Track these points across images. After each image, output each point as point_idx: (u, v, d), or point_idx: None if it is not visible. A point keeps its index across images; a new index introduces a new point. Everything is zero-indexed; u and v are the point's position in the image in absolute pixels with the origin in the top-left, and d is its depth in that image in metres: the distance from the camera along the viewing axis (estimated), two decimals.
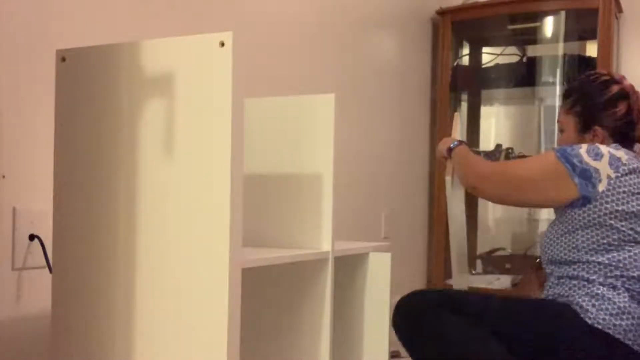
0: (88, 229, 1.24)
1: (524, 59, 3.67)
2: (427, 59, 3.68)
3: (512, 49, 3.76)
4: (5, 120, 1.48)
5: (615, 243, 1.48)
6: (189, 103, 1.14)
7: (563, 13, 3.51)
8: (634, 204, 1.49)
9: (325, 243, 1.54)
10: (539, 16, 3.57)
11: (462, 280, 1.80)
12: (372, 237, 3.05)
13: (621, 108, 1.63)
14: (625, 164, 1.51)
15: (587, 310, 1.45)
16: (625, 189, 1.49)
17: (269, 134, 1.63)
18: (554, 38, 3.60)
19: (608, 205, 1.48)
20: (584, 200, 1.50)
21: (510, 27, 3.72)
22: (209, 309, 1.11)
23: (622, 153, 1.53)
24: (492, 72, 3.67)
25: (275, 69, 2.38)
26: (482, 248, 3.75)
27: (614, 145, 1.57)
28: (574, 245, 1.52)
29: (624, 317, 1.43)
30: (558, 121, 1.76)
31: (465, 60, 3.83)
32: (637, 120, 1.65)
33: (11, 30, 1.48)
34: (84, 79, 1.25)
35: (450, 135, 2.09)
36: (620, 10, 3.42)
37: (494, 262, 3.60)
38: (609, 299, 1.45)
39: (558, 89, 3.51)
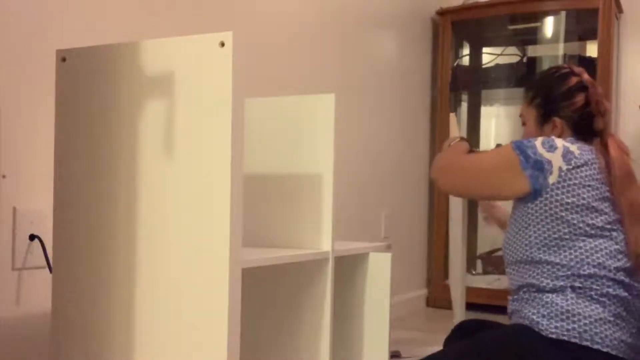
0: (88, 229, 1.24)
1: (524, 59, 3.67)
2: (427, 59, 3.68)
3: (512, 49, 3.76)
4: (5, 120, 1.48)
5: (567, 237, 1.48)
6: (189, 103, 1.14)
7: (563, 13, 3.51)
8: (585, 195, 1.49)
9: (325, 243, 1.54)
10: (539, 16, 3.57)
11: (459, 283, 1.80)
12: (372, 237, 3.05)
13: (579, 99, 1.65)
14: (577, 157, 1.52)
15: (538, 323, 1.44)
16: (577, 181, 1.50)
17: (269, 134, 1.63)
18: (554, 38, 3.60)
19: (558, 198, 1.49)
20: (535, 194, 1.51)
21: (511, 27, 3.72)
22: (209, 309, 1.11)
23: (575, 147, 1.54)
24: (492, 72, 3.68)
25: (275, 69, 2.38)
26: (482, 248, 3.76)
27: (570, 139, 1.58)
28: (527, 242, 1.53)
29: (574, 319, 1.42)
30: (520, 115, 1.78)
31: (466, 61, 3.83)
32: (595, 113, 1.65)
33: (11, 31, 1.48)
34: (84, 79, 1.25)
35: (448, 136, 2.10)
36: (620, 10, 3.42)
37: (494, 262, 3.60)
38: (557, 304, 1.45)
39: None
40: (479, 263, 3.71)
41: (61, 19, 1.59)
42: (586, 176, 1.51)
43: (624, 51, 3.55)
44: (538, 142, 1.55)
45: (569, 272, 1.47)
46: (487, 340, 1.48)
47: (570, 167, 1.50)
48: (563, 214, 1.49)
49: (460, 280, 1.79)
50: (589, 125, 1.64)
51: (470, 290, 3.46)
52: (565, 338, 1.41)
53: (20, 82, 1.50)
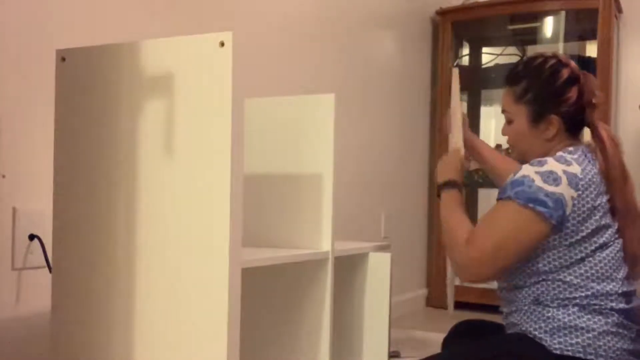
0: (88, 229, 1.24)
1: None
2: (427, 59, 3.68)
3: (512, 49, 3.76)
4: (5, 121, 1.48)
5: (579, 259, 1.43)
6: (189, 103, 1.14)
7: (563, 13, 3.51)
8: (597, 217, 1.43)
9: (325, 243, 1.54)
10: (539, 16, 3.57)
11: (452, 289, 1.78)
12: (372, 237, 3.05)
13: (573, 94, 1.53)
14: (581, 178, 1.42)
15: (541, 339, 1.42)
16: (588, 205, 1.42)
17: (269, 134, 1.63)
18: (554, 38, 3.60)
19: (574, 228, 1.42)
20: (556, 229, 1.42)
21: (510, 27, 3.72)
22: (209, 309, 1.11)
23: (575, 165, 1.44)
24: (492, 72, 3.68)
25: (275, 69, 2.38)
26: None
27: (560, 155, 1.47)
28: (534, 269, 1.45)
29: (577, 333, 1.40)
30: (504, 111, 1.61)
31: (465, 61, 3.83)
32: (587, 105, 1.53)
33: (11, 31, 1.48)
34: (84, 79, 1.25)
35: (449, 94, 1.98)
36: (620, 10, 3.42)
37: None
38: (559, 319, 1.42)
39: None
40: None
41: (61, 19, 1.59)
42: (591, 192, 1.43)
43: (623, 51, 3.55)
44: (538, 181, 1.41)
45: (575, 293, 1.43)
46: (489, 352, 1.46)
47: (580, 192, 1.41)
48: (578, 241, 1.43)
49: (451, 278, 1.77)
50: (581, 118, 1.54)
51: (469, 290, 3.46)
52: (570, 353, 1.39)
53: (20, 82, 1.50)
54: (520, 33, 3.77)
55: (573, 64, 1.57)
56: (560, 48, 3.55)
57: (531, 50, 3.74)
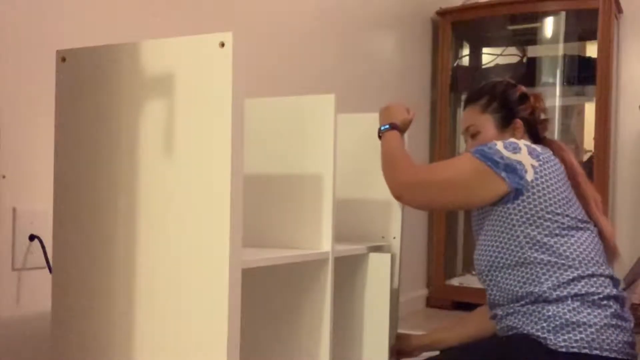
0: (88, 229, 1.24)
1: (524, 60, 3.67)
2: (427, 59, 3.68)
3: (512, 50, 3.76)
4: (5, 121, 1.48)
5: (556, 232, 1.47)
6: (189, 103, 1.14)
7: (563, 13, 3.51)
8: (562, 188, 1.51)
9: (325, 243, 1.54)
10: (539, 17, 3.58)
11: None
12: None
13: (527, 107, 1.70)
14: (541, 152, 1.53)
15: (545, 339, 1.42)
16: (551, 175, 1.50)
17: (269, 134, 1.63)
18: (554, 38, 3.60)
19: (540, 194, 1.48)
20: (516, 193, 1.49)
21: (511, 27, 3.73)
22: (209, 309, 1.11)
23: (535, 146, 1.56)
24: (492, 72, 3.68)
25: (275, 69, 2.38)
26: None
27: (523, 141, 1.59)
28: (516, 243, 1.50)
29: (581, 329, 1.41)
30: (468, 127, 1.72)
31: (466, 61, 3.83)
32: (538, 121, 1.71)
33: (11, 31, 1.48)
34: (84, 79, 1.25)
35: None
36: (620, 10, 3.42)
37: None
38: (560, 316, 1.42)
39: (558, 90, 3.51)
40: None
41: (61, 19, 1.59)
42: (555, 170, 1.52)
43: (623, 51, 3.55)
44: (499, 146, 1.52)
45: (567, 274, 1.45)
46: (493, 355, 1.46)
47: (541, 162, 1.50)
48: (549, 209, 1.48)
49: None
50: (536, 130, 1.70)
51: (469, 291, 3.47)
52: (576, 350, 1.39)
53: (20, 82, 1.50)
54: (520, 33, 3.77)
55: (522, 87, 1.75)
56: (560, 48, 3.56)
57: (531, 51, 3.74)
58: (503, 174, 1.49)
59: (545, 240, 1.47)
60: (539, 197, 1.48)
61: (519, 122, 1.67)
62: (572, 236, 1.48)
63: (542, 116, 1.72)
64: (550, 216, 1.48)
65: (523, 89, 1.73)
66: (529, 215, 1.48)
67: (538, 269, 1.47)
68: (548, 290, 1.45)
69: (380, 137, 1.76)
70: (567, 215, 1.49)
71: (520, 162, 1.49)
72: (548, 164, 1.51)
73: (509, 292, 1.51)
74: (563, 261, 1.46)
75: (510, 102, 1.69)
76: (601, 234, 1.56)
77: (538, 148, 1.55)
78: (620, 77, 3.55)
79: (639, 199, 3.53)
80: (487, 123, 1.70)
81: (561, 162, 1.58)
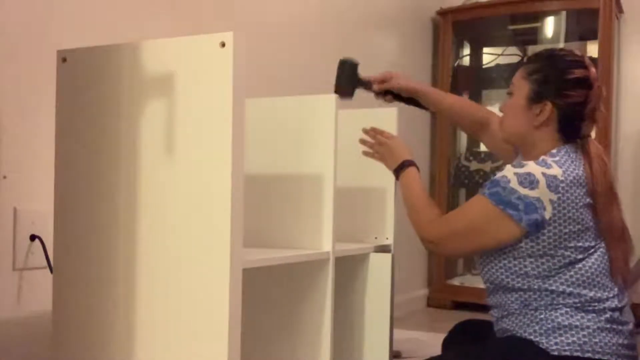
0: (88, 229, 1.24)
1: (525, 59, 3.66)
2: (427, 59, 3.67)
3: (512, 49, 3.76)
4: (6, 121, 1.48)
5: (567, 263, 1.43)
6: (189, 103, 1.14)
7: (564, 13, 3.51)
8: (581, 218, 1.42)
9: (325, 243, 1.54)
10: (539, 16, 3.57)
11: None
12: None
13: (578, 95, 1.48)
14: (562, 180, 1.41)
15: (538, 342, 1.41)
16: (570, 207, 1.41)
17: (269, 134, 1.63)
18: (555, 38, 3.60)
19: (557, 230, 1.42)
20: (534, 232, 1.42)
21: (511, 27, 3.72)
22: (210, 309, 1.11)
23: (556, 168, 1.42)
24: (492, 72, 3.67)
25: (275, 69, 2.38)
26: None
27: (542, 159, 1.45)
28: (522, 272, 1.46)
29: (573, 332, 1.40)
30: (511, 84, 1.57)
31: (466, 61, 3.83)
32: (588, 115, 1.50)
33: (12, 31, 1.48)
34: (84, 79, 1.25)
35: None
36: (620, 10, 3.42)
37: None
38: (552, 320, 1.42)
39: None
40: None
41: (61, 19, 1.59)
42: (576, 197, 1.42)
43: (624, 51, 3.55)
44: (514, 183, 1.41)
45: (566, 300, 1.43)
46: (486, 357, 1.45)
47: (560, 194, 1.40)
48: (562, 244, 1.43)
49: None
50: (577, 126, 1.50)
51: (469, 291, 3.46)
52: (568, 353, 1.39)
53: (20, 82, 1.50)
54: (521, 33, 3.77)
55: (594, 70, 1.52)
56: None
57: (532, 51, 3.73)
58: (525, 222, 1.41)
59: (553, 273, 1.44)
60: (555, 233, 1.42)
61: (548, 106, 1.48)
62: (581, 265, 1.44)
63: (596, 114, 1.51)
64: (562, 251, 1.43)
65: (582, 73, 1.49)
66: (543, 251, 1.44)
67: (538, 294, 1.45)
68: (544, 305, 1.45)
69: (397, 177, 1.74)
70: (580, 247, 1.44)
71: (538, 199, 1.40)
72: (568, 193, 1.41)
73: (504, 299, 1.51)
74: (563, 290, 1.43)
75: (554, 81, 1.49)
76: (611, 265, 1.47)
77: (558, 172, 1.42)
78: (620, 77, 3.54)
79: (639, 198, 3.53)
80: (522, 89, 1.53)
81: (588, 177, 1.45)
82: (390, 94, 1.97)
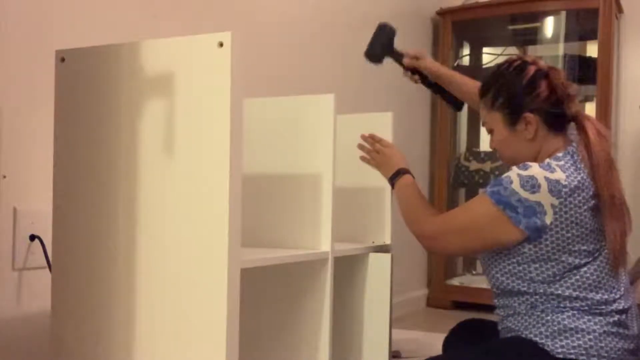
0: (88, 229, 1.24)
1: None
2: None
3: (512, 50, 3.76)
4: (5, 121, 1.48)
5: (571, 267, 1.43)
6: (188, 103, 1.14)
7: (563, 13, 3.51)
8: (584, 222, 1.42)
9: (324, 243, 1.54)
10: (539, 16, 3.57)
11: None
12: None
13: (543, 89, 1.49)
14: (565, 185, 1.40)
15: (543, 344, 1.41)
16: (573, 212, 1.41)
17: (268, 134, 1.63)
18: (555, 38, 3.60)
19: (559, 235, 1.41)
20: (535, 236, 1.42)
21: (511, 27, 3.72)
22: (209, 309, 1.11)
23: (559, 171, 1.42)
24: None
25: (274, 69, 2.38)
26: None
27: (546, 162, 1.45)
28: (527, 277, 1.46)
29: (579, 335, 1.40)
30: (483, 123, 1.60)
31: (466, 61, 3.83)
32: (564, 98, 1.49)
33: (11, 31, 1.49)
34: (83, 79, 1.25)
35: None
36: (620, 10, 3.42)
37: None
38: (558, 322, 1.41)
39: None
40: (478, 263, 3.71)
41: (61, 19, 1.59)
42: (580, 201, 1.41)
43: (624, 51, 3.55)
44: (516, 185, 1.41)
45: (572, 304, 1.43)
46: (490, 358, 1.45)
47: (562, 199, 1.40)
48: (567, 248, 1.42)
49: None
50: (562, 112, 1.50)
51: (470, 290, 3.46)
52: (573, 356, 1.39)
53: (20, 82, 1.50)
54: (520, 33, 3.77)
55: (540, 61, 1.54)
56: (560, 48, 3.55)
57: (531, 51, 3.74)
58: (524, 224, 1.41)
59: (557, 277, 1.43)
60: (557, 238, 1.42)
61: (529, 117, 1.49)
62: (586, 269, 1.44)
63: (569, 91, 1.51)
64: (567, 255, 1.43)
65: (532, 70, 1.51)
66: (547, 255, 1.43)
67: (544, 297, 1.45)
68: (550, 308, 1.44)
69: (392, 185, 1.75)
70: (585, 250, 1.43)
71: (539, 203, 1.40)
72: (571, 198, 1.41)
73: (510, 301, 1.51)
74: (568, 294, 1.43)
75: (517, 94, 1.51)
76: (606, 242, 1.47)
77: (561, 176, 1.41)
78: (620, 77, 3.54)
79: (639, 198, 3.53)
80: (497, 121, 1.55)
81: (587, 157, 1.45)
82: (419, 74, 1.97)
